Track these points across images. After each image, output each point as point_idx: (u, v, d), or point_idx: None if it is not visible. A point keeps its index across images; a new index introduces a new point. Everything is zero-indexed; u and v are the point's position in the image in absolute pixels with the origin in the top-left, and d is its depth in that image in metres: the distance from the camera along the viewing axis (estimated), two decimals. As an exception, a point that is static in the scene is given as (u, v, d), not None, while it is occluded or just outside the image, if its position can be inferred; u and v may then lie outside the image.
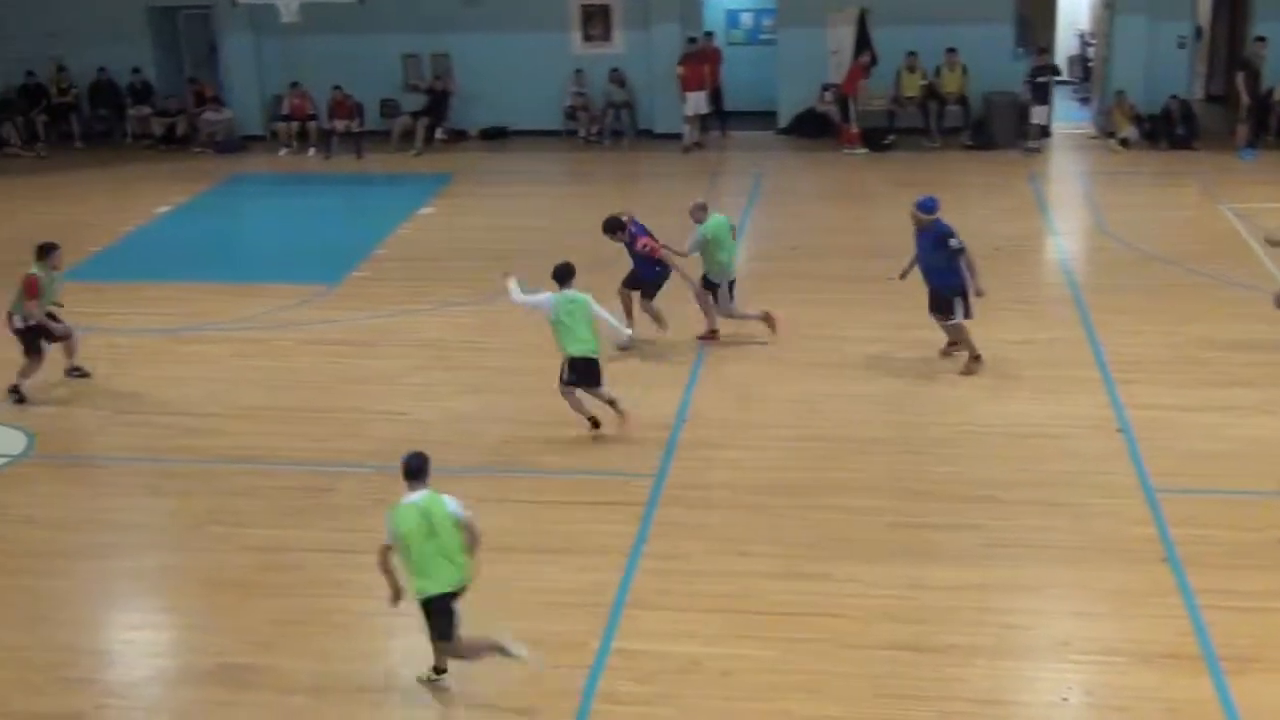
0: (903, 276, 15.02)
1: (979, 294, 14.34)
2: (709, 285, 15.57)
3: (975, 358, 14.56)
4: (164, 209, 22.85)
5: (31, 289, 14.54)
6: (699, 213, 15.48)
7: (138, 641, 10.54)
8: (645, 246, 15.28)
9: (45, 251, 14.77)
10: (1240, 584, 10.56)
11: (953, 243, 14.21)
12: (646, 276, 15.50)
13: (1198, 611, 10.18)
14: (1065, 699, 9.36)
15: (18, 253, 15.67)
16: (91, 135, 27.78)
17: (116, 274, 19.07)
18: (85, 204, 23.16)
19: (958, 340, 14.69)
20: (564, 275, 13.11)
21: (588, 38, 26.90)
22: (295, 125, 26.68)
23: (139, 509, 12.44)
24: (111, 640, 10.62)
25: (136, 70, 27.51)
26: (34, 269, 14.63)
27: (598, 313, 13.14)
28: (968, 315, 14.46)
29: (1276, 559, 10.96)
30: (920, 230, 14.54)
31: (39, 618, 10.70)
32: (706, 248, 15.40)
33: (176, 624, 10.81)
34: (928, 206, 14.41)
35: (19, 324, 14.68)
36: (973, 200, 21.93)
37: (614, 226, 15.36)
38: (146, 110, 27.62)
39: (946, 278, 14.40)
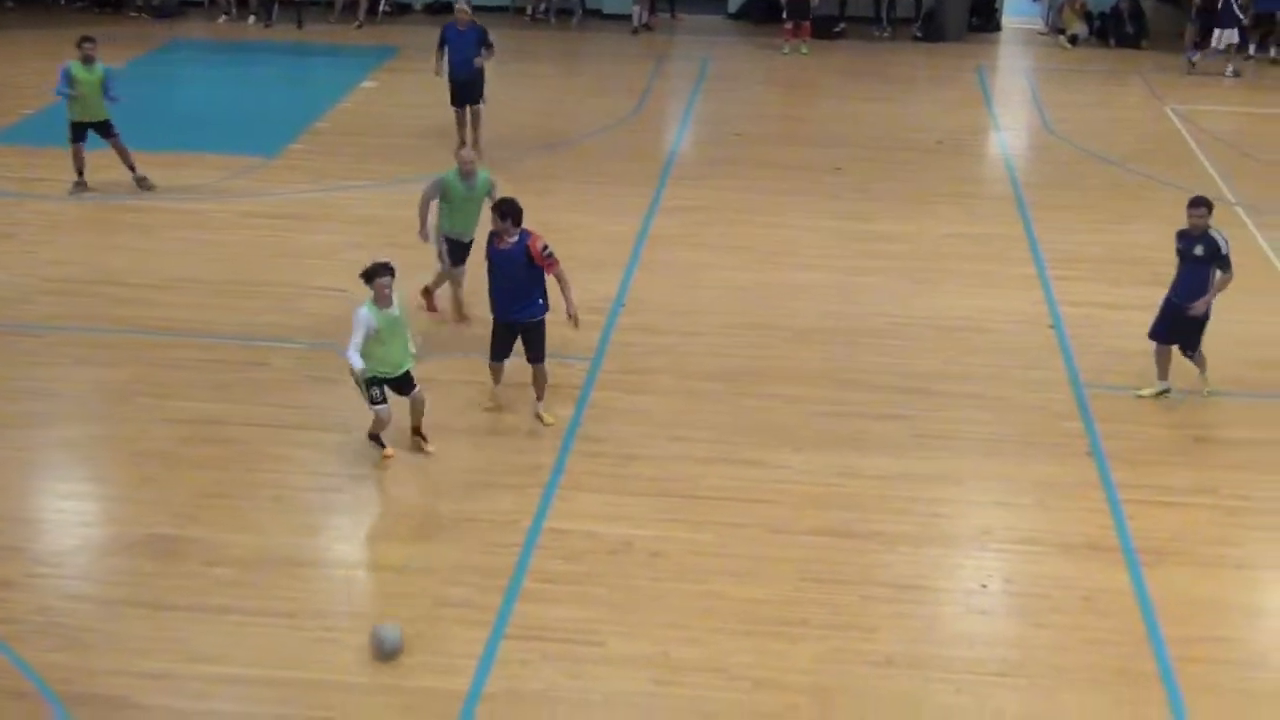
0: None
1: None
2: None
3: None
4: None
5: None
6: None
7: (66, 511, 10.48)
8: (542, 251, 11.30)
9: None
10: (1161, 479, 10.79)
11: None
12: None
13: (1119, 505, 10.41)
14: (984, 586, 9.56)
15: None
16: (23, -5, 26.96)
17: (50, 138, 18.61)
18: (17, 65, 22.53)
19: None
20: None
21: (536, -89, 26.30)
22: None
23: (66, 379, 12.29)
24: (40, 509, 10.56)
25: (69, -72, 26.63)
26: None
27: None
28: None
29: (1197, 456, 11.20)
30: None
31: (-35, 485, 10.62)
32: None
33: (104, 494, 10.76)
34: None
35: None
36: (919, 92, 21.85)
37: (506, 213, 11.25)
38: (81, -29, 26.78)
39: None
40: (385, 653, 8.65)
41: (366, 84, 22.16)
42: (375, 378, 10.69)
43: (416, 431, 11.09)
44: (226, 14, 26.05)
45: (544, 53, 24.67)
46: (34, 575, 9.59)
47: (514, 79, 22.64)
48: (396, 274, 10.71)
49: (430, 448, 11.01)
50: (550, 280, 11.28)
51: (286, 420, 11.49)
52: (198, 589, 9.41)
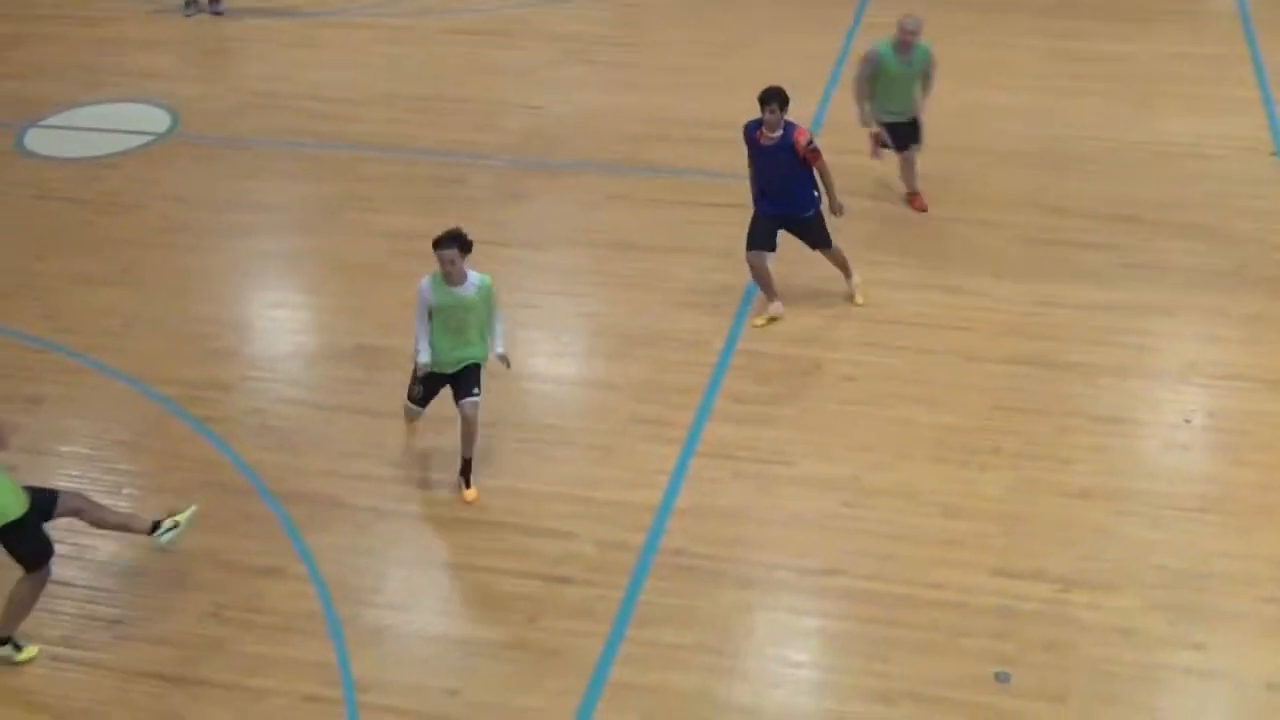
0: None
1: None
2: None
3: None
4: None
5: None
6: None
7: (279, 319, 10.92)
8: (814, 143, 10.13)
9: None
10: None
11: None
12: None
13: (1336, 344, 9.96)
14: (1188, 420, 9.30)
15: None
16: None
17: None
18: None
19: None
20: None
21: None
22: None
23: (277, 191, 12.69)
24: (255, 317, 11.02)
25: None
26: None
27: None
28: None
29: None
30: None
31: (184, 291, 11.13)
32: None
33: (314, 304, 11.16)
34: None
35: None
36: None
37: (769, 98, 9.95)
38: None
39: None
40: None
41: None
42: (431, 374, 8.61)
43: (464, 469, 8.72)
44: None
45: None
46: (249, 378, 10.06)
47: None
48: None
49: (470, 495, 8.71)
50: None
51: (486, 236, 11.64)
52: (400, 397, 9.74)
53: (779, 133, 9.90)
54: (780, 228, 10.32)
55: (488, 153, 13.10)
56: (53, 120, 14.18)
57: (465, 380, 8.56)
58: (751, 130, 10.07)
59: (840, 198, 10.29)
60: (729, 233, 11.54)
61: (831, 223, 10.39)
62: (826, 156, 10.09)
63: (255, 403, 9.77)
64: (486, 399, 8.72)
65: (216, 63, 15.49)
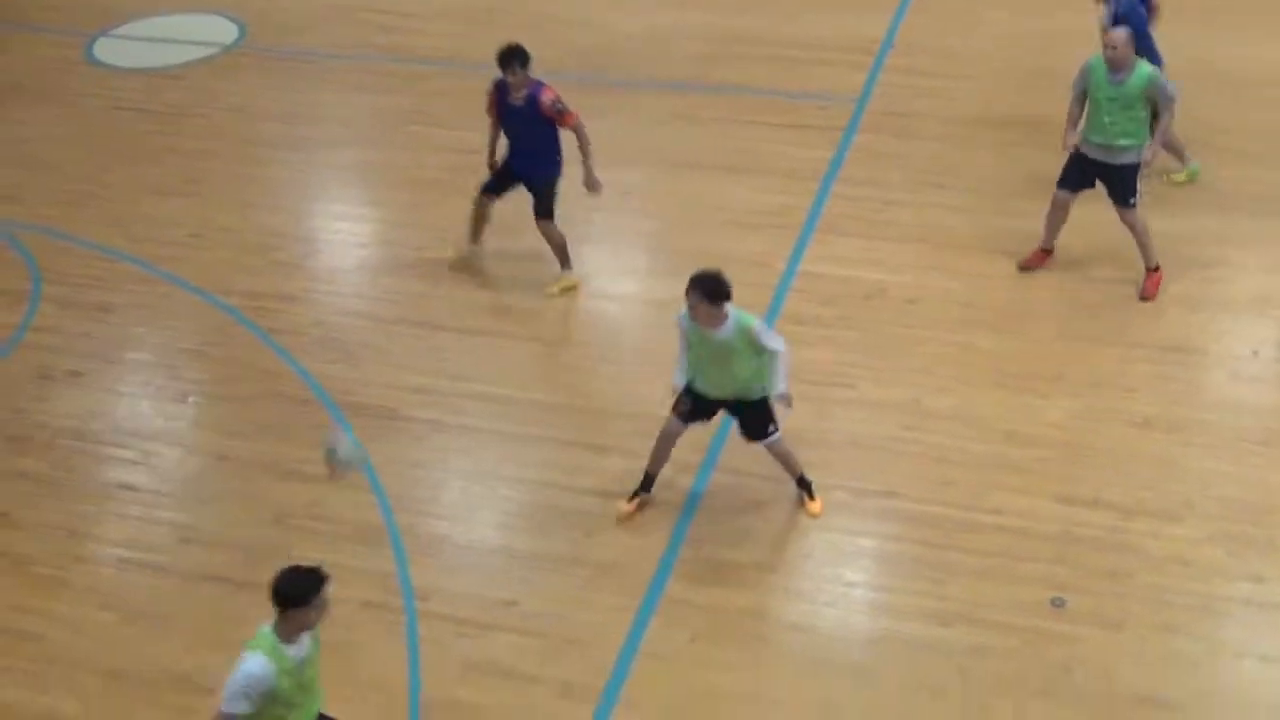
0: None
1: None
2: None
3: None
4: None
5: None
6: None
7: (343, 232, 10.97)
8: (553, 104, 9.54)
9: None
10: None
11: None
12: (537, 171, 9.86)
13: None
14: (1256, 353, 9.15)
15: None
16: None
17: None
18: None
19: None
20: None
21: None
22: None
23: (342, 104, 12.70)
24: (318, 229, 11.08)
25: None
26: None
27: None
28: None
29: None
30: None
31: (249, 203, 11.21)
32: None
33: (377, 217, 11.20)
34: None
35: None
36: None
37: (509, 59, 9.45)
38: None
39: None
40: (339, 460, 6.74)
41: None
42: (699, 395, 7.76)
43: (799, 484, 8.05)
44: None
45: None
46: (313, 291, 10.14)
47: None
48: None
49: (814, 507, 8.03)
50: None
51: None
52: (461, 311, 9.80)
53: (524, 92, 9.46)
54: (515, 187, 9.88)
55: (551, 69, 12.99)
56: (121, 30, 14.23)
57: (750, 423, 7.78)
58: (502, 91, 9.59)
59: (597, 173, 9.68)
60: (794, 153, 11.47)
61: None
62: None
63: (318, 314, 9.85)
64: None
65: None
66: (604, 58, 13.31)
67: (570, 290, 10.01)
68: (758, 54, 13.13)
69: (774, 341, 7.50)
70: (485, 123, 9.87)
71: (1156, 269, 9.68)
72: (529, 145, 9.69)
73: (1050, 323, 9.46)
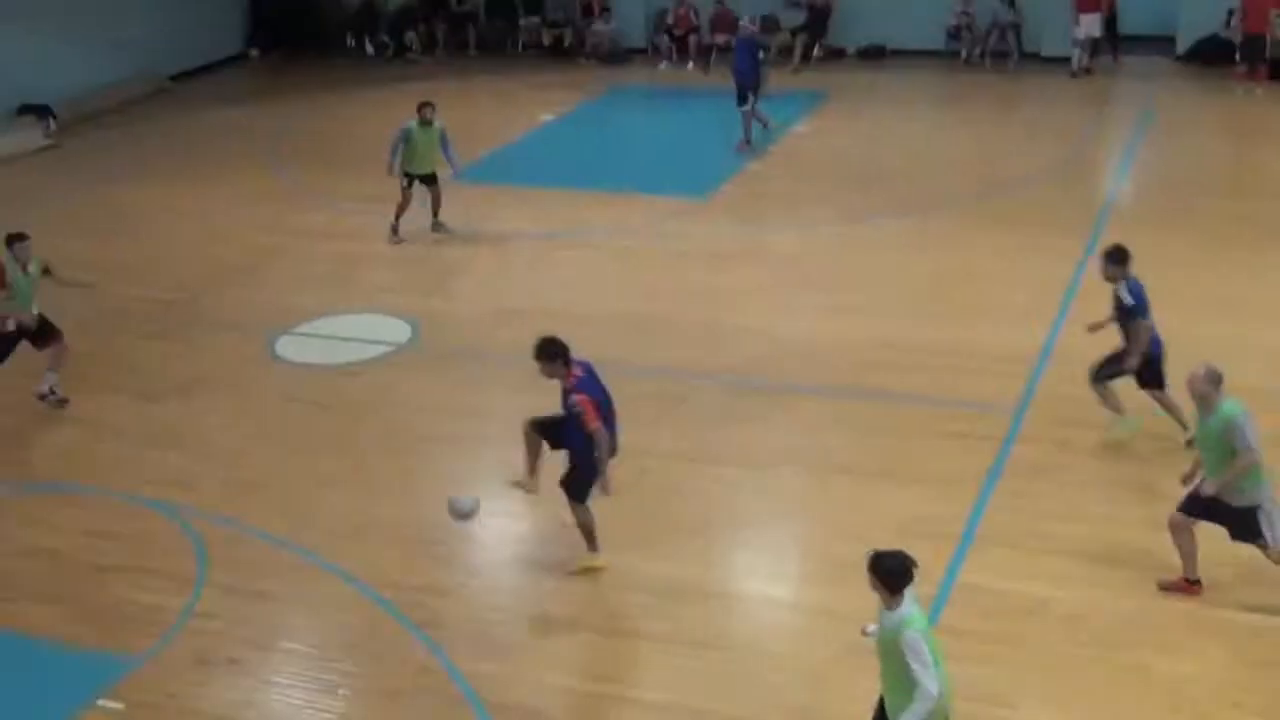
0: None
1: None
2: None
3: None
4: (548, 117, 23.66)
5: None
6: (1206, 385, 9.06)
7: (490, 528, 11.03)
8: (578, 405, 9.80)
9: (9, 242, 12.67)
10: None
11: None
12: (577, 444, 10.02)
13: None
14: None
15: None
16: (485, 44, 28.96)
17: (503, 176, 19.93)
18: (477, 109, 24.22)
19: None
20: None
21: (975, -44, 25.96)
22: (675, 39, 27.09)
23: (508, 404, 13.00)
24: (474, 524, 11.19)
25: (527, -16, 28.54)
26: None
27: None
28: None
29: None
30: None
31: (412, 495, 11.43)
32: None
33: (534, 514, 11.28)
34: None
35: None
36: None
37: (551, 354, 9.93)
38: (536, 20, 28.64)
39: None
40: (460, 512, 9.63)
41: (798, 128, 22.44)
42: None
43: None
44: (668, 60, 27.10)
45: (979, 98, 24.22)
46: (465, 585, 10.22)
47: (948, 125, 22.49)
48: None
49: None
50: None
51: (701, 454, 11.74)
52: (614, 612, 9.75)
53: (562, 384, 9.85)
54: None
55: (713, 372, 13.24)
56: (302, 328, 14.97)
57: None
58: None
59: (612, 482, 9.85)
60: (952, 463, 11.37)
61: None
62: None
63: (471, 610, 9.88)
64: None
65: (453, 279, 16.20)
66: (766, 363, 13.51)
67: (592, 571, 10.05)
68: (915, 362, 13.20)
69: (926, 679, 6.92)
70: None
71: None
72: (568, 423, 9.86)
73: (1226, 650, 8.99)
